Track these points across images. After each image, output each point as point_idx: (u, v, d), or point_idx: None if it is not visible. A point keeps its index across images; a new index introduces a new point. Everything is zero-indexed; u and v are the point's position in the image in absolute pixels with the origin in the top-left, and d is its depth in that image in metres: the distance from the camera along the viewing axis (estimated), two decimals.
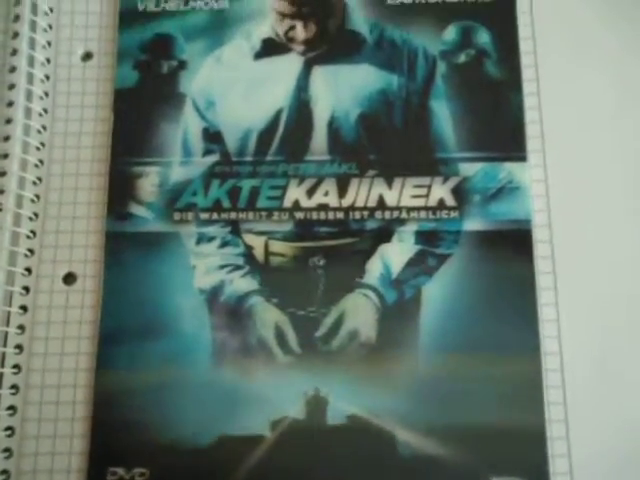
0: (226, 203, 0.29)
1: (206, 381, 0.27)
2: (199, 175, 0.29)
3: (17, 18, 0.31)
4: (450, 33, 0.30)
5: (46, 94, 0.31)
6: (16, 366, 0.27)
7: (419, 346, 0.27)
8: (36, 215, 0.29)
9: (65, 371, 0.28)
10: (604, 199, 0.28)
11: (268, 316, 0.27)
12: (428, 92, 0.29)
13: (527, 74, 0.30)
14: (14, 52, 0.30)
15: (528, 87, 0.29)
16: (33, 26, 0.31)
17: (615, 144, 0.29)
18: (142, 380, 0.27)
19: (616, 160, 0.29)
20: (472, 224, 0.28)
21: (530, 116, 0.29)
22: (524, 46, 0.30)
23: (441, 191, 0.28)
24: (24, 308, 0.28)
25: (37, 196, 0.29)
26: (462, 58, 0.30)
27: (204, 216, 0.29)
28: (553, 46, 0.30)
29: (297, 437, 0.26)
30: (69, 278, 0.29)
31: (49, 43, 0.31)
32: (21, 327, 0.28)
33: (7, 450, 0.26)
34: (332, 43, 0.30)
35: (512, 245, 0.27)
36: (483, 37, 0.30)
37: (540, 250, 0.28)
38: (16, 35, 0.30)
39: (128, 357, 0.27)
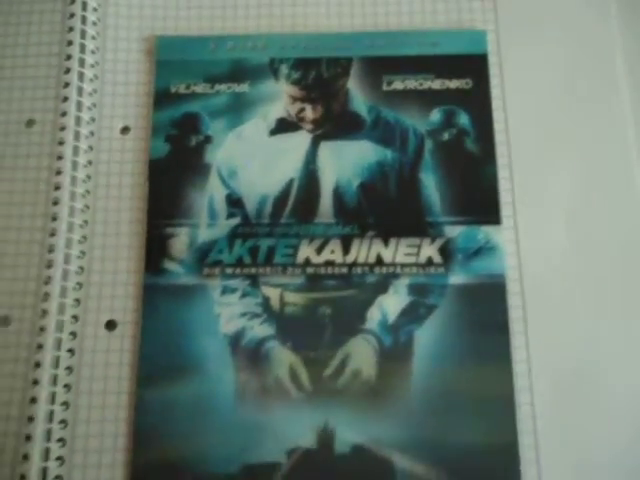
0: (247, 260, 0.33)
1: (231, 416, 0.31)
2: (224, 235, 0.34)
3: (66, 99, 0.35)
4: (435, 115, 0.35)
5: (89, 163, 0.36)
6: (65, 403, 0.32)
7: (412, 384, 0.31)
8: (82, 269, 0.34)
9: (107, 408, 0.32)
10: (567, 256, 0.33)
11: (283, 358, 0.32)
12: (418, 165, 0.35)
13: (500, 150, 0.35)
14: (62, 128, 0.35)
15: (501, 160, 0.35)
16: (79, 106, 0.36)
17: (577, 208, 0.34)
18: (175, 416, 0.31)
19: (577, 223, 0.34)
20: (456, 278, 0.33)
21: (503, 185, 0.34)
22: (497, 126, 0.35)
23: (429, 250, 0.33)
24: (72, 351, 0.32)
25: (83, 252, 0.34)
26: (446, 136, 0.35)
27: (229, 271, 0.33)
28: (522, 126, 0.35)
29: (309, 464, 0.30)
30: (110, 325, 0.33)
31: (93, 119, 0.36)
32: (69, 368, 0.32)
33: (58, 477, 0.31)
34: (336, 122, 0.35)
35: (490, 296, 0.32)
36: (463, 119, 0.35)
37: (513, 300, 0.32)
38: (64, 114, 0.35)
39: (162, 396, 0.31)
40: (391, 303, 0.33)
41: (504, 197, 0.34)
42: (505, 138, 0.35)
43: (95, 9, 0.37)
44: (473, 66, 0.36)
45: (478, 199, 0.34)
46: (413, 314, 0.32)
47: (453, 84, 0.36)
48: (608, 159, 0.35)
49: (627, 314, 0.32)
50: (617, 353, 0.32)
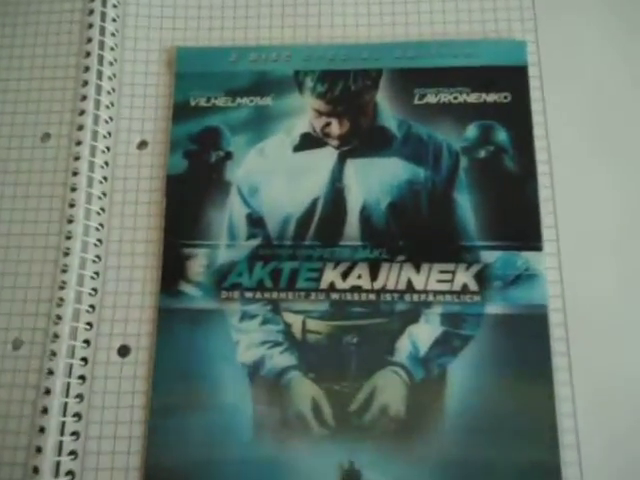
0: (268, 284, 0.32)
1: (248, 452, 0.29)
2: (244, 257, 0.32)
3: (82, 112, 0.34)
4: (471, 131, 0.33)
5: (105, 179, 0.34)
6: (75, 433, 0.30)
7: (445, 422, 0.29)
8: (95, 291, 0.32)
9: (119, 438, 0.30)
10: (614, 285, 0.31)
11: (305, 390, 0.30)
12: (452, 184, 0.32)
13: (542, 168, 0.32)
14: (78, 143, 0.34)
15: (543, 180, 0.32)
16: (96, 119, 0.34)
17: (626, 234, 0.32)
18: (189, 449, 0.29)
19: (626, 248, 0.31)
20: (493, 308, 0.30)
21: (545, 207, 0.32)
22: (538, 143, 0.33)
23: (464, 277, 0.31)
24: (83, 378, 0.31)
25: (97, 273, 0.32)
26: (482, 154, 0.33)
27: (248, 295, 0.31)
28: (566, 142, 0.33)
29: None
30: (123, 350, 0.32)
31: (109, 133, 0.35)
32: (80, 396, 0.30)
33: None
34: (364, 138, 0.33)
35: (530, 328, 0.30)
36: (501, 135, 0.33)
37: (555, 332, 0.30)
38: (81, 127, 0.34)
39: (176, 428, 0.29)
40: (422, 333, 0.30)
41: (546, 220, 0.31)
42: (547, 156, 0.32)
43: (114, 19, 0.36)
44: (512, 79, 0.33)
45: (518, 222, 0.31)
46: (446, 346, 0.30)
47: (490, 98, 0.33)
48: None
49: None
50: None
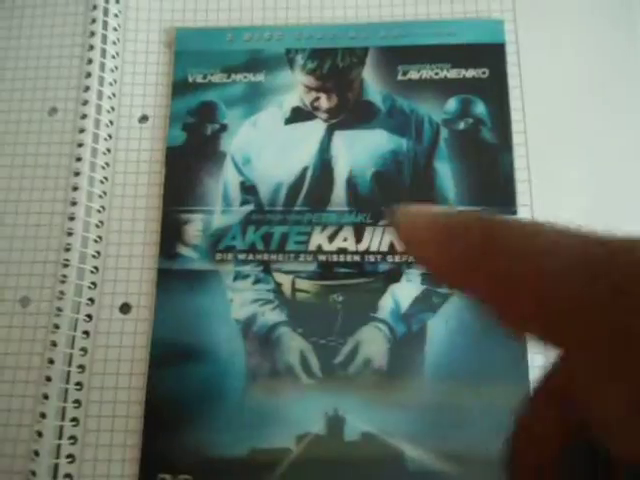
0: (260, 246, 0.34)
1: (240, 400, 0.31)
2: (237, 222, 0.34)
3: (87, 89, 0.36)
4: (451, 104, 0.35)
5: (108, 150, 0.36)
6: (79, 383, 0.32)
7: (424, 373, 0.31)
8: (99, 253, 0.34)
9: (120, 389, 0.32)
10: None
11: (294, 344, 0.32)
12: (433, 154, 0.34)
13: (517, 139, 0.34)
14: (83, 116, 0.36)
15: (518, 150, 0.34)
16: (100, 95, 0.36)
17: (596, 198, 0.34)
18: (186, 399, 0.31)
19: (596, 213, 0.33)
20: None
21: (519, 175, 0.34)
22: (515, 116, 0.35)
23: None
24: (87, 333, 0.33)
25: (100, 237, 0.35)
26: (462, 125, 0.35)
27: (241, 257, 0.34)
28: (540, 115, 0.35)
29: (318, 451, 0.30)
30: (125, 308, 0.34)
31: (112, 108, 0.37)
32: (84, 349, 0.33)
33: (70, 456, 0.31)
34: (351, 112, 0.35)
35: None
36: (479, 108, 0.35)
37: None
38: (86, 102, 0.36)
39: (174, 379, 0.32)
40: (404, 292, 0.32)
41: (520, 187, 0.33)
42: (523, 127, 0.34)
43: (117, 1, 0.38)
44: (490, 55, 0.35)
45: (494, 189, 0.33)
46: (426, 303, 0.32)
47: (469, 73, 0.35)
48: (628, 149, 0.34)
49: None
50: None
